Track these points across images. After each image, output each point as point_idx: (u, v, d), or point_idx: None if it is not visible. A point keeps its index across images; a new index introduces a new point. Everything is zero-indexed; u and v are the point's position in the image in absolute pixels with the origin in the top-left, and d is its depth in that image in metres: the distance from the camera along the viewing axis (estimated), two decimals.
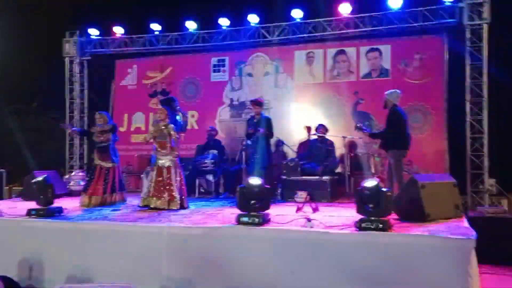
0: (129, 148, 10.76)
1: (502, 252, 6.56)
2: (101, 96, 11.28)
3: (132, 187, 10.12)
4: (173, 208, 6.43)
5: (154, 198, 6.53)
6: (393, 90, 6.70)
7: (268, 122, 7.70)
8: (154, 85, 11.00)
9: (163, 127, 6.69)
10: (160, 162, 6.66)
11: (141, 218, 5.74)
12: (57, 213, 5.91)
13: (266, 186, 5.12)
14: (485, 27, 8.10)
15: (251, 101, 8.05)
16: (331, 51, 9.68)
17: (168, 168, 6.62)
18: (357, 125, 6.69)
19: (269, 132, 7.73)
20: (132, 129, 10.96)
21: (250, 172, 7.41)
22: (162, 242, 4.90)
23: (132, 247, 5.03)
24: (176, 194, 6.53)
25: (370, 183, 4.64)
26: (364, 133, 6.59)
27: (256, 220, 4.85)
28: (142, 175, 9.58)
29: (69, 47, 11.05)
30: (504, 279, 5.83)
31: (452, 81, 8.72)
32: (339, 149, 8.45)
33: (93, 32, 11.06)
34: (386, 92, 6.73)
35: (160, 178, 6.59)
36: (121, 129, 10.94)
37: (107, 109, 10.91)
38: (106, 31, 11.09)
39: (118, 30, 10.90)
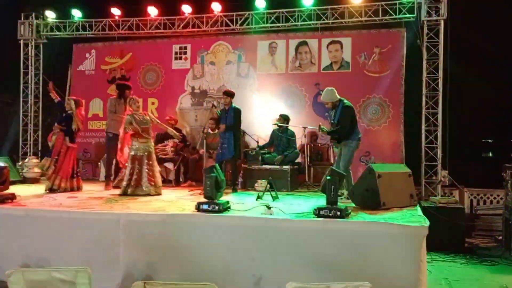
0: (86, 135, 10.49)
1: (452, 240, 6.87)
2: (58, 81, 10.88)
3: (89, 175, 9.89)
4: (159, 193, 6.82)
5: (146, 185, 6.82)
6: (329, 89, 6.51)
7: (237, 114, 7.66)
8: (113, 71, 10.74)
9: (144, 116, 7.08)
10: (148, 149, 6.97)
11: (98, 205, 5.64)
12: (9, 199, 5.71)
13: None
14: (442, 23, 8.35)
15: (224, 91, 7.93)
16: (294, 42, 9.73)
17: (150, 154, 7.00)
18: (319, 124, 6.74)
19: (238, 123, 7.69)
20: (89, 115, 10.66)
21: (216, 161, 7.43)
22: (119, 229, 4.83)
23: (88, 234, 4.93)
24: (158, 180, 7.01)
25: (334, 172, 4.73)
26: (323, 133, 6.62)
27: (216, 207, 4.86)
28: (99, 163, 9.43)
29: (24, 30, 10.61)
30: (453, 266, 6.09)
31: (409, 75, 8.96)
32: (300, 139, 8.54)
33: (50, 14, 10.69)
34: (323, 97, 6.60)
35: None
36: None
37: (63, 94, 10.56)
38: (63, 14, 10.73)
39: (76, 14, 10.57)
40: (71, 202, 5.91)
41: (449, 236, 6.79)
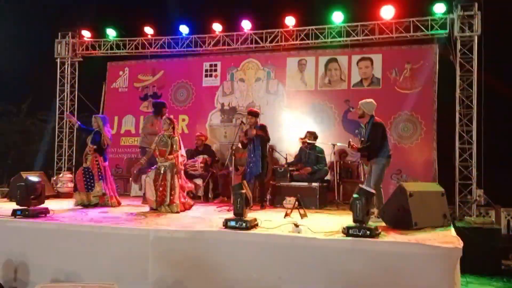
0: (118, 151, 10.71)
1: (488, 262, 6.61)
2: (92, 98, 11.21)
3: (121, 190, 10.05)
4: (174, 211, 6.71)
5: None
6: (369, 101, 6.48)
7: (263, 129, 7.69)
8: (146, 88, 10.97)
9: (167, 138, 7.02)
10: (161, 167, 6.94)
11: (128, 220, 5.71)
12: (43, 214, 5.85)
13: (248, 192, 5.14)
14: (476, 39, 8.19)
15: (248, 112, 7.98)
16: (323, 59, 9.72)
17: (165, 172, 6.90)
18: (349, 141, 6.68)
19: (266, 136, 7.70)
20: (122, 131, 10.89)
21: (245, 177, 7.42)
22: (148, 245, 4.86)
23: (118, 249, 4.99)
24: (176, 197, 6.87)
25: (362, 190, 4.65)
26: (352, 149, 6.56)
27: (244, 224, 4.84)
28: (130, 178, 9.57)
29: (61, 48, 10.99)
30: None
31: (442, 92, 8.79)
32: (329, 156, 8.46)
33: (86, 34, 11.04)
34: (361, 102, 6.51)
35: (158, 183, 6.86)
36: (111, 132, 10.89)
37: (97, 111, 10.84)
38: (98, 33, 11.06)
39: (111, 33, 10.88)
40: (102, 217, 6.01)
41: (484, 258, 6.54)
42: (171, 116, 7.65)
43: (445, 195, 5.79)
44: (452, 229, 5.30)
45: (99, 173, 7.40)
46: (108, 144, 7.60)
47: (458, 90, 8.31)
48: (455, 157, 8.23)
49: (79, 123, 7.99)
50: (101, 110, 11.06)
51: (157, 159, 7.04)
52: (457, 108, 8.30)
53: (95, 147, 7.39)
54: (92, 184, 7.34)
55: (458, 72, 8.31)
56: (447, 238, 4.59)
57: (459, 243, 4.25)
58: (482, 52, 8.19)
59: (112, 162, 10.46)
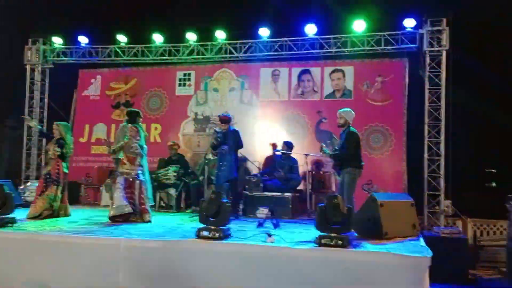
0: (89, 159, 10.54)
1: (455, 271, 6.75)
2: (63, 106, 11.00)
3: (91, 199, 9.86)
4: (146, 220, 6.55)
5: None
6: (349, 110, 6.67)
7: (235, 134, 7.70)
8: (118, 97, 10.85)
9: (134, 145, 6.82)
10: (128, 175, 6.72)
11: (98, 230, 5.61)
12: (10, 223, 5.69)
13: (227, 200, 5.10)
14: (444, 53, 8.43)
15: (219, 117, 7.99)
16: (296, 70, 9.85)
17: (134, 180, 6.71)
18: (321, 145, 6.77)
19: (238, 144, 7.71)
20: (92, 140, 10.73)
21: (214, 186, 7.38)
22: (119, 255, 4.79)
23: (88, 260, 4.89)
24: (147, 206, 6.72)
25: (331, 200, 4.71)
26: (325, 154, 6.66)
27: (217, 234, 4.82)
28: (101, 187, 9.41)
29: (31, 55, 10.75)
30: None
31: (412, 104, 9.00)
32: (302, 167, 8.53)
33: (57, 40, 10.85)
34: (342, 110, 6.66)
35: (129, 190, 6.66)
36: (82, 140, 10.73)
37: (67, 119, 10.65)
38: (70, 40, 10.89)
39: (83, 40, 10.73)
40: (71, 227, 5.88)
41: (452, 267, 6.67)
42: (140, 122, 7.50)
43: (415, 205, 5.91)
44: (421, 239, 5.41)
45: (57, 178, 7.03)
46: (70, 152, 7.35)
47: (427, 103, 8.52)
48: (424, 169, 8.42)
49: (39, 127, 7.73)
50: (71, 118, 10.87)
51: (123, 166, 6.79)
52: (426, 120, 8.50)
53: (59, 152, 7.05)
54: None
55: (427, 86, 8.52)
56: (416, 248, 4.68)
57: (428, 253, 4.35)
58: (450, 67, 8.44)
59: (82, 171, 10.29)
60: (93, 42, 10.75)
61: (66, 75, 11.06)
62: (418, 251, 4.48)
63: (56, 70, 11.00)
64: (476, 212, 8.69)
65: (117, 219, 6.47)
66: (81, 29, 10.83)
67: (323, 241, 4.54)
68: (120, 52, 10.50)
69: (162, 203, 8.76)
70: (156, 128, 10.36)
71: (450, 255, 6.73)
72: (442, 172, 8.30)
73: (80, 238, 5.12)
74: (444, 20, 8.41)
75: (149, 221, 6.59)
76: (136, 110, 8.42)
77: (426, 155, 8.44)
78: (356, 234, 5.43)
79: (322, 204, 4.73)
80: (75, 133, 10.67)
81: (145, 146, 7.10)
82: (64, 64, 10.91)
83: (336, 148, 6.69)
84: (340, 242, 4.48)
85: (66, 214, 7.10)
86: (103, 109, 10.82)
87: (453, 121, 8.41)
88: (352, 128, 6.53)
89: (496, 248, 8.05)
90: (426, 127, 8.50)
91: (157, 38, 10.27)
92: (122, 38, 10.47)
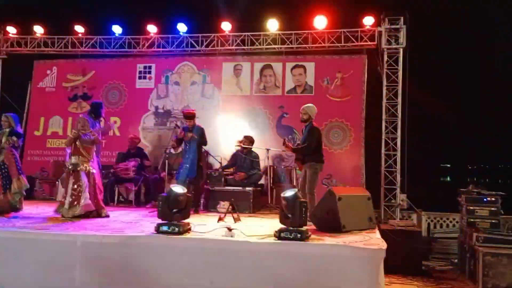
0: (44, 153, 10.21)
1: (409, 263, 6.96)
2: (17, 98, 10.60)
3: (46, 194, 9.58)
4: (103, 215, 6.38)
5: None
6: (312, 105, 6.81)
7: (199, 132, 7.63)
8: (75, 89, 10.55)
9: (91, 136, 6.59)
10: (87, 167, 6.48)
11: (54, 226, 5.47)
12: None
13: (186, 194, 5.08)
14: (401, 51, 8.66)
15: (183, 113, 7.90)
16: (258, 65, 9.86)
17: (92, 173, 6.51)
18: (284, 139, 6.86)
19: (203, 140, 7.66)
20: (48, 133, 10.40)
21: (177, 180, 7.32)
22: (76, 251, 4.68)
23: (43, 256, 4.76)
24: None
25: (289, 193, 4.77)
26: (287, 148, 6.77)
27: (176, 229, 4.79)
28: (57, 182, 9.15)
29: None
30: None
31: (370, 100, 9.21)
32: (263, 161, 8.58)
33: (11, 30, 10.43)
34: (305, 106, 6.79)
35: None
36: (37, 133, 10.41)
37: (22, 111, 10.28)
38: (25, 30, 10.50)
39: (38, 30, 10.37)
40: (25, 223, 5.70)
41: (406, 259, 6.87)
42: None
43: (371, 199, 6.07)
44: (377, 232, 5.56)
45: (18, 167, 6.74)
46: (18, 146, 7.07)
47: (384, 100, 8.74)
48: (381, 163, 8.64)
49: None
50: (26, 110, 10.51)
51: (79, 157, 6.43)
52: (384, 116, 8.72)
53: (14, 139, 6.72)
54: (8, 182, 6.63)
55: (384, 82, 8.74)
56: (372, 240, 4.82)
57: (383, 245, 4.48)
58: (407, 64, 8.68)
59: (37, 165, 9.98)
60: (49, 32, 10.40)
61: (21, 66, 10.68)
62: (374, 243, 4.61)
63: (10, 61, 10.61)
64: (430, 206, 9.02)
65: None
66: (36, 18, 10.46)
67: (282, 234, 4.59)
68: (77, 43, 10.21)
69: (121, 198, 8.62)
70: (115, 122, 10.14)
71: (405, 247, 6.94)
72: (398, 166, 8.54)
73: (34, 234, 4.96)
74: (402, 18, 8.64)
75: (107, 216, 6.46)
76: (99, 101, 8.16)
77: (383, 150, 8.66)
78: (315, 228, 5.53)
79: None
80: (29, 126, 10.38)
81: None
82: (19, 55, 10.52)
83: (299, 143, 6.80)
84: (299, 235, 4.55)
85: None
86: (60, 101, 10.49)
87: (409, 117, 8.67)
88: (314, 124, 6.67)
89: (448, 240, 8.37)
90: (383, 123, 8.72)
91: (116, 30, 10.04)
92: (79, 29, 10.18)
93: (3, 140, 6.76)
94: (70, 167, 6.37)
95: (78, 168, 6.36)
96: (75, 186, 6.27)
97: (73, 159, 6.41)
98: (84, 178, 6.36)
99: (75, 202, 6.21)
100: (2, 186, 6.62)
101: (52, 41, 10.32)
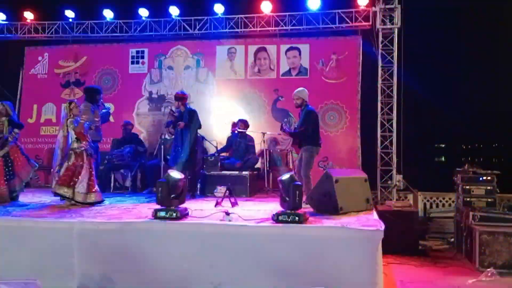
0: (38, 140, 10.15)
1: (406, 243, 7.02)
2: (8, 85, 10.48)
3: (41, 182, 9.53)
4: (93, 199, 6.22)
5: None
6: (302, 88, 6.71)
7: (191, 115, 7.51)
8: (67, 75, 10.44)
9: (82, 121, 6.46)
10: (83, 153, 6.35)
11: (50, 214, 5.43)
12: None
13: (183, 179, 5.06)
14: (396, 31, 8.59)
15: (174, 97, 7.80)
16: (252, 48, 9.77)
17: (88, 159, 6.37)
18: (281, 124, 6.83)
19: (194, 124, 7.55)
20: (41, 120, 10.32)
21: (171, 166, 7.25)
22: (73, 238, 4.66)
23: (40, 244, 4.74)
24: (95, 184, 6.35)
25: (285, 176, 4.77)
26: (285, 133, 6.75)
27: (174, 214, 4.78)
28: (52, 170, 9.08)
29: None
30: (408, 268, 6.22)
31: (366, 82, 9.17)
32: (259, 145, 8.55)
33: (0, 16, 10.27)
34: (296, 91, 6.69)
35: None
36: (30, 121, 10.31)
37: (14, 99, 10.17)
38: (15, 16, 10.33)
39: (29, 16, 10.20)
40: (21, 210, 5.67)
41: (403, 239, 6.93)
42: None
43: (368, 180, 6.07)
44: (374, 213, 5.56)
45: (27, 157, 6.75)
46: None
47: (379, 81, 8.70)
48: (377, 145, 8.64)
49: None
50: (18, 98, 10.39)
51: (75, 143, 6.32)
52: (379, 97, 8.70)
53: (16, 131, 6.64)
54: (12, 176, 6.53)
55: (379, 63, 8.70)
56: (370, 222, 4.82)
57: (381, 226, 4.48)
58: (402, 44, 8.63)
59: (32, 153, 9.86)
60: (39, 18, 10.24)
61: (12, 53, 10.55)
62: (372, 225, 4.61)
63: (0, 48, 10.45)
64: (426, 186, 9.06)
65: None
66: (25, 4, 10.29)
67: (280, 217, 4.59)
68: (68, 28, 10.07)
69: (117, 184, 8.58)
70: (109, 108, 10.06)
71: (402, 227, 6.98)
72: (394, 148, 8.55)
73: (31, 221, 4.93)
74: None
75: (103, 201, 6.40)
76: (95, 87, 8.07)
77: (379, 132, 8.66)
78: (312, 210, 5.54)
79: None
80: (23, 114, 10.27)
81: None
82: (9, 42, 10.39)
83: (296, 126, 6.77)
84: (296, 218, 4.54)
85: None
86: (52, 88, 10.39)
87: (404, 98, 8.65)
88: (309, 107, 6.62)
89: (444, 219, 8.42)
90: (379, 104, 8.69)
91: (107, 14, 9.90)
92: (70, 14, 10.03)
93: (4, 131, 6.68)
94: (81, 150, 6.27)
95: (89, 153, 6.33)
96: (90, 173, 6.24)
97: (84, 143, 6.36)
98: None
99: (93, 189, 6.20)
100: (5, 179, 6.48)
101: (42, 26, 10.19)
